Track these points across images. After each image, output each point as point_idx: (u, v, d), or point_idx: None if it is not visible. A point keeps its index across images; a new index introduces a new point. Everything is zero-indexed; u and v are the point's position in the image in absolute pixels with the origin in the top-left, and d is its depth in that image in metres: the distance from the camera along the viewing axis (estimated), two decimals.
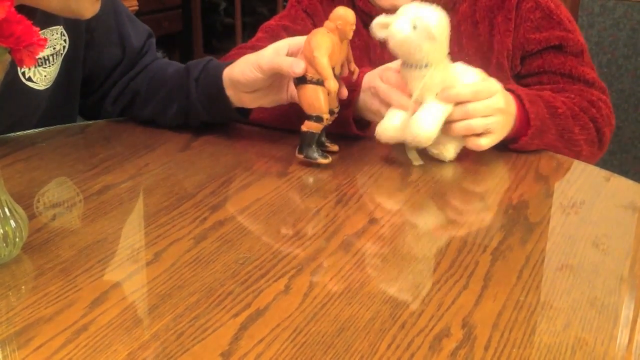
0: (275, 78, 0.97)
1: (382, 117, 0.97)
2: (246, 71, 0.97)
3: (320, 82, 0.92)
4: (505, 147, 1.03)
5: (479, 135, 0.97)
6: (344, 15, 0.93)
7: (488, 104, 0.96)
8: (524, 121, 1.01)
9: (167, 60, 1.18)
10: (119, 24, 1.13)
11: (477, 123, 0.96)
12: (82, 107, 1.16)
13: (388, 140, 0.96)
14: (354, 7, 1.19)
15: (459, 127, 0.96)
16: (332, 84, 0.91)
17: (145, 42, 1.16)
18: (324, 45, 0.91)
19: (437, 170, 0.98)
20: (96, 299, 0.67)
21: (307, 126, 0.95)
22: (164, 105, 1.09)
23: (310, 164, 0.97)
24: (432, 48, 0.91)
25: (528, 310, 0.67)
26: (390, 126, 0.96)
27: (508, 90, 1.01)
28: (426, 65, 0.93)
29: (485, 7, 1.15)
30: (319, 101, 0.93)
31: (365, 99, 1.01)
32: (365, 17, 1.17)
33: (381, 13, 1.12)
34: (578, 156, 1.06)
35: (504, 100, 0.97)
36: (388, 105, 0.97)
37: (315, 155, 0.96)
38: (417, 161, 0.98)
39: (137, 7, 2.33)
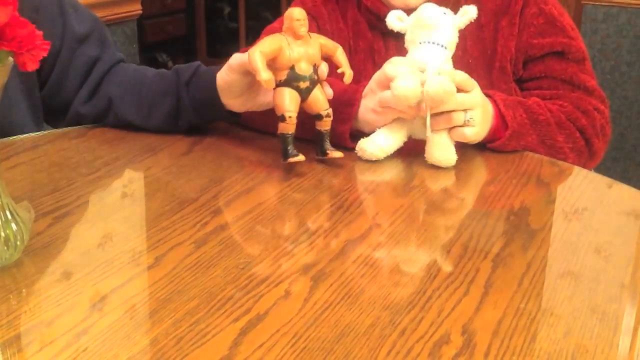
0: (256, 81, 0.96)
1: (380, 121, 1.00)
2: (223, 75, 0.99)
3: (282, 84, 0.93)
4: (504, 153, 1.04)
5: (461, 126, 0.99)
6: (289, 13, 0.94)
7: (472, 96, 0.98)
8: (500, 124, 1.03)
9: (136, 66, 1.16)
10: (62, 12, 1.11)
11: (457, 116, 0.97)
12: (46, 104, 1.14)
13: (407, 93, 0.94)
14: (359, 7, 1.20)
15: (440, 119, 0.97)
16: (263, 75, 0.90)
17: (91, 29, 1.13)
18: (260, 44, 0.92)
19: (438, 177, 0.98)
20: (97, 303, 0.67)
21: (279, 128, 0.95)
22: (149, 109, 1.08)
23: (319, 163, 0.97)
24: (455, 35, 1.00)
25: (528, 318, 0.67)
26: (412, 86, 0.94)
27: (485, 95, 1.03)
28: (445, 48, 0.98)
29: (490, 11, 1.16)
30: (279, 100, 0.94)
31: (363, 113, 1.01)
32: (372, 18, 1.17)
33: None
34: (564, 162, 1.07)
35: (482, 96, 1.00)
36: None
37: (287, 154, 0.95)
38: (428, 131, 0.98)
39: (140, 11, 2.34)
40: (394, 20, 1.01)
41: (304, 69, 0.94)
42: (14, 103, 1.08)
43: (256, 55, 0.91)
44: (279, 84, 0.94)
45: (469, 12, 0.99)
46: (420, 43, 0.98)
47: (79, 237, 0.79)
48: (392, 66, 0.98)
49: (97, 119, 1.13)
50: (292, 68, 0.94)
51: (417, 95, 0.94)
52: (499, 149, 1.04)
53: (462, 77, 0.98)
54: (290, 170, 0.97)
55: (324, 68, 0.97)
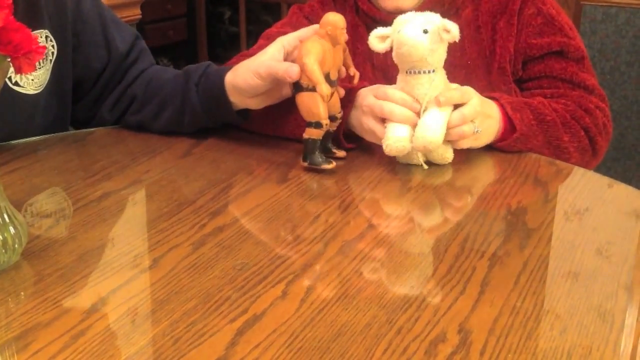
0: (280, 83, 0.98)
1: (375, 135, 0.98)
2: (247, 79, 0.98)
3: (315, 89, 0.93)
4: (502, 152, 1.04)
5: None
6: (334, 20, 0.94)
7: (474, 107, 0.98)
8: (508, 127, 1.03)
9: (163, 67, 1.19)
10: (104, 27, 1.14)
11: (469, 128, 0.98)
12: (74, 113, 1.16)
13: (399, 152, 0.97)
14: (357, 11, 1.20)
15: (454, 133, 0.97)
16: (324, 88, 0.91)
17: (132, 44, 1.16)
18: (313, 51, 0.92)
19: (435, 177, 0.98)
20: (94, 305, 0.68)
21: (308, 133, 0.95)
22: (159, 110, 1.10)
23: (314, 170, 0.97)
24: (442, 50, 0.94)
25: (524, 316, 0.67)
26: (399, 138, 0.96)
27: (491, 98, 1.03)
28: (433, 71, 0.95)
29: (488, 12, 1.16)
30: (317, 108, 0.93)
31: (357, 116, 1.01)
32: (369, 21, 1.18)
33: (385, 16, 1.14)
34: (567, 162, 1.07)
35: (481, 104, 0.99)
36: (384, 122, 0.97)
37: (319, 160, 0.96)
38: (424, 165, 0.98)
39: (140, 16, 2.34)
40: (374, 42, 0.97)
41: (334, 75, 0.96)
42: (43, 113, 1.09)
43: (317, 67, 0.91)
44: (312, 89, 0.93)
45: (452, 33, 0.92)
46: (406, 72, 0.96)
47: (77, 239, 0.79)
48: (388, 106, 0.96)
49: (117, 122, 1.15)
50: (327, 75, 0.94)
51: (405, 150, 0.96)
52: (503, 148, 1.04)
53: (456, 94, 0.96)
54: (288, 172, 0.98)
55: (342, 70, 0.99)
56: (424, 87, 0.95)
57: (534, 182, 0.98)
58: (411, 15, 0.96)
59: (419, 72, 0.95)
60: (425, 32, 0.93)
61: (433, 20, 0.94)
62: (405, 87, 0.96)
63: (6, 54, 0.64)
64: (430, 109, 0.95)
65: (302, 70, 0.92)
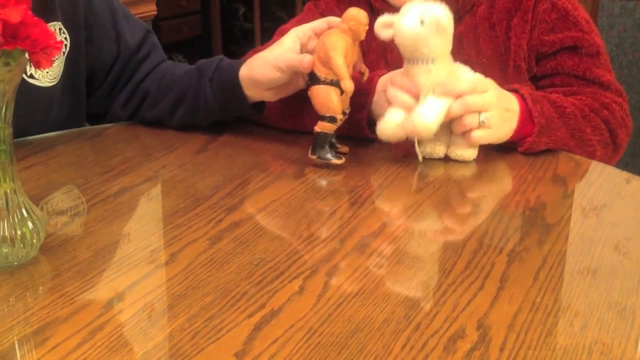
0: (296, 76, 0.99)
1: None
2: (267, 72, 0.98)
3: (333, 83, 0.93)
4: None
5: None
6: (357, 16, 0.94)
7: (484, 98, 0.96)
8: (527, 120, 1.01)
9: (175, 62, 1.19)
10: (115, 20, 1.14)
11: (471, 120, 0.96)
12: (87, 107, 1.16)
13: (389, 137, 0.98)
14: (371, 8, 1.20)
15: (457, 124, 0.97)
16: (349, 84, 0.91)
17: (142, 39, 1.16)
18: (339, 46, 0.92)
19: (453, 171, 0.97)
20: (112, 300, 0.68)
21: (321, 127, 0.95)
22: (173, 107, 1.10)
23: (324, 165, 0.97)
24: (439, 42, 0.93)
25: (544, 312, 0.66)
26: (390, 123, 0.97)
27: (511, 90, 1.01)
28: (432, 61, 0.94)
29: (503, 9, 1.15)
30: (332, 102, 0.93)
31: (378, 102, 1.01)
32: None
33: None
34: (592, 157, 1.05)
35: (498, 97, 0.98)
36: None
37: (329, 156, 0.96)
38: (420, 157, 0.99)
39: (155, 12, 2.35)
40: (379, 29, 0.97)
41: (350, 70, 0.95)
42: (59, 106, 1.09)
43: (342, 62, 0.91)
44: (329, 83, 0.93)
45: (443, 27, 0.92)
46: (407, 61, 0.96)
47: (95, 235, 0.80)
48: (391, 90, 0.98)
49: (131, 118, 1.15)
50: None
51: (395, 135, 0.97)
52: (531, 149, 1.01)
53: (469, 83, 0.96)
54: (304, 167, 0.97)
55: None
56: (422, 77, 0.95)
57: (553, 178, 0.97)
58: (411, 5, 0.94)
59: (417, 62, 0.95)
60: (422, 22, 0.92)
61: (433, 10, 0.93)
62: (407, 76, 0.97)
63: (24, 49, 0.64)
64: (427, 98, 0.95)
65: (327, 64, 0.92)
